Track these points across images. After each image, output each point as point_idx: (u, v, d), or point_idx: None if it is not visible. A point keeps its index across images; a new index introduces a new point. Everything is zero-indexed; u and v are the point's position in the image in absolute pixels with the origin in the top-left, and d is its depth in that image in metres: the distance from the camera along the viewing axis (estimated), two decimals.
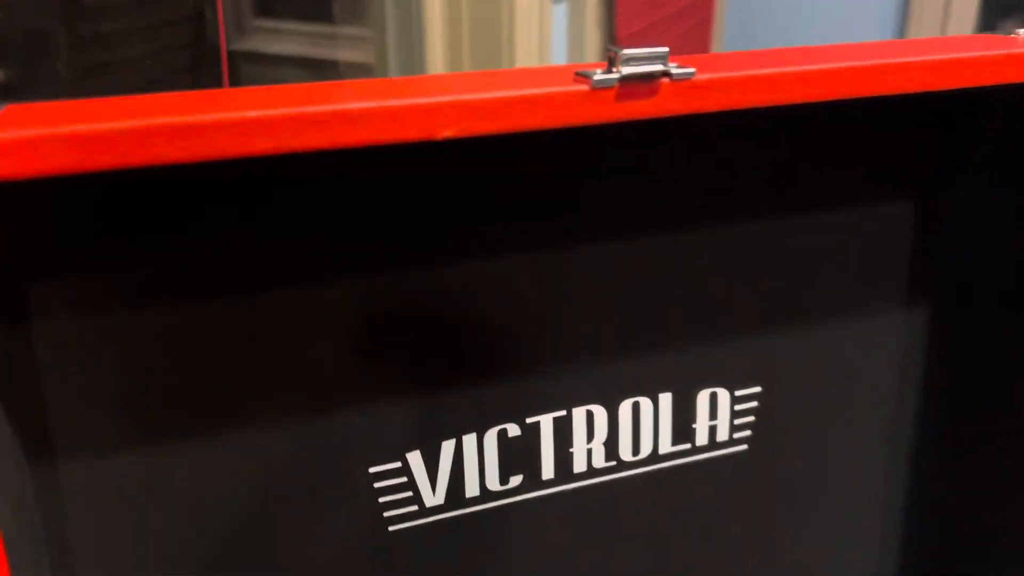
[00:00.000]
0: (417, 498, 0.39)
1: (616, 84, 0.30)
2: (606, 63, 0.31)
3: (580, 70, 0.31)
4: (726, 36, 1.55)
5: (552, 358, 0.39)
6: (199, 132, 0.27)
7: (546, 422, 0.40)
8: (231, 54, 1.34)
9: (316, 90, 0.30)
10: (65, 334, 0.32)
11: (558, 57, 1.25)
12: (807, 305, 0.43)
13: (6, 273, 0.30)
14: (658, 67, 0.30)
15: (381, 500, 0.38)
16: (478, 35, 1.14)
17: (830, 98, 0.32)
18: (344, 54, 1.25)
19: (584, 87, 0.30)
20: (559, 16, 1.23)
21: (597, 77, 0.30)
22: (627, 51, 0.30)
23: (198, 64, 1.19)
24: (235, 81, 1.38)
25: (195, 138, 0.27)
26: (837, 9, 1.56)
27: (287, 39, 1.28)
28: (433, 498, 0.39)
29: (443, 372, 0.38)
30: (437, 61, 1.17)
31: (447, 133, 0.29)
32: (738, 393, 0.43)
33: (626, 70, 0.30)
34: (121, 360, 0.33)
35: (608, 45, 0.30)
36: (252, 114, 0.27)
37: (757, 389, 0.43)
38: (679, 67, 0.31)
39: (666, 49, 0.30)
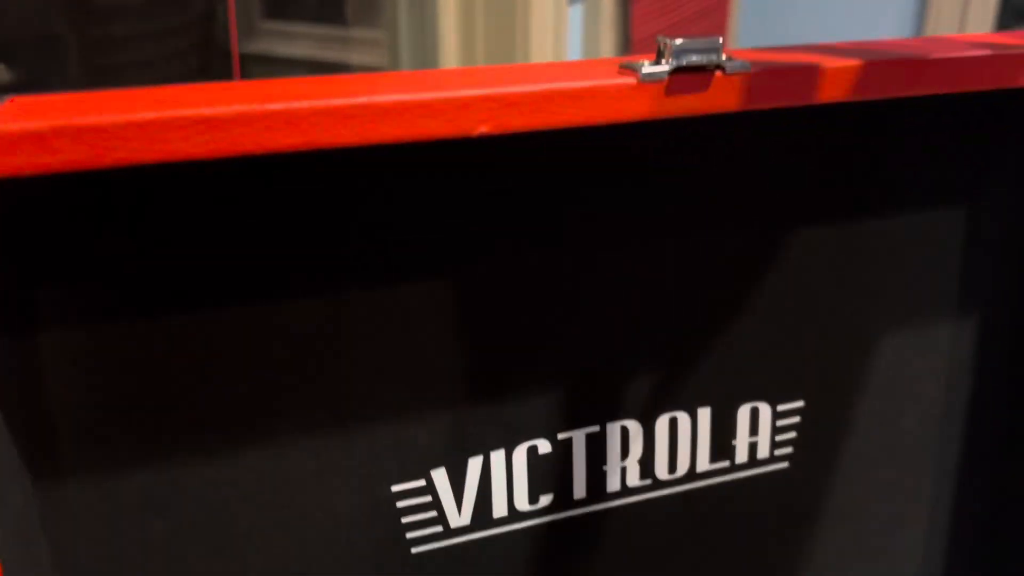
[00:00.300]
0: (442, 518, 0.37)
1: (666, 77, 0.28)
2: (654, 54, 0.29)
3: (624, 62, 0.29)
4: (740, 38, 1.52)
5: (584, 370, 0.37)
6: (219, 126, 0.24)
7: (578, 438, 0.38)
8: (240, 56, 1.33)
9: (339, 83, 0.28)
10: (73, 340, 0.30)
11: (572, 57, 1.22)
12: (851, 315, 0.41)
13: (9, 276, 0.28)
14: (711, 58, 0.28)
15: (404, 520, 0.36)
16: (492, 37, 1.13)
17: (903, 95, 0.29)
18: (356, 57, 1.23)
19: (631, 80, 0.28)
20: (574, 18, 1.21)
21: (646, 69, 0.27)
22: (679, 41, 0.28)
23: (208, 66, 1.18)
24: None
25: (215, 132, 0.25)
26: (854, 11, 1.54)
27: (297, 41, 1.26)
28: (459, 518, 0.37)
29: (470, 385, 0.36)
30: (451, 64, 1.15)
31: (483, 129, 0.27)
32: (780, 408, 0.40)
33: (677, 61, 0.28)
34: (132, 370, 0.31)
35: (660, 37, 0.27)
36: (277, 107, 0.25)
37: (800, 403, 0.41)
38: (733, 59, 0.29)
39: (720, 39, 0.28)
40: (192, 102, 0.25)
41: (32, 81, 1.20)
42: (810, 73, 0.29)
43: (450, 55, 1.14)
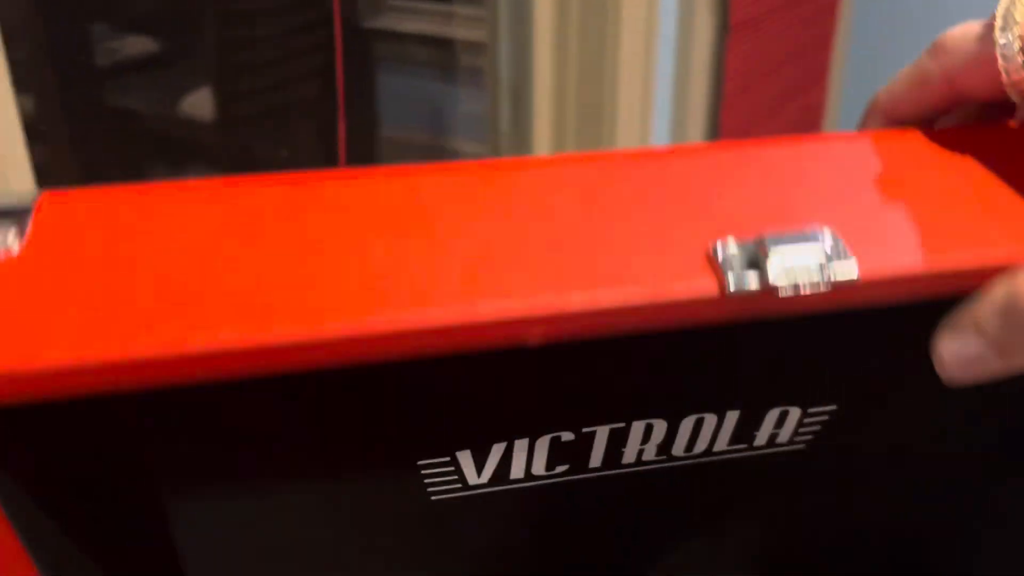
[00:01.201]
0: (462, 480, 0.33)
1: (757, 291, 0.21)
2: (751, 238, 0.21)
3: (710, 251, 0.22)
4: (855, 21, 1.34)
5: (616, 371, 0.32)
6: (252, 357, 0.19)
7: (602, 431, 0.33)
8: (367, 31, 1.28)
9: (379, 268, 0.22)
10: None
11: (666, 40, 1.11)
12: (891, 322, 0.33)
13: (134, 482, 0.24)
14: (815, 278, 0.21)
15: (427, 482, 0.32)
16: (585, 16, 1.04)
17: None
18: (460, 32, 1.17)
19: (714, 290, 0.21)
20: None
21: (733, 283, 0.21)
22: (779, 249, 0.20)
23: (329, 43, 1.12)
24: (363, 56, 1.31)
25: (249, 360, 0.19)
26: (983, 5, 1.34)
27: (415, 18, 1.21)
28: (478, 479, 0.33)
29: (499, 380, 0.31)
30: (544, 40, 1.07)
31: (537, 341, 0.21)
32: (811, 410, 0.34)
33: (775, 277, 0.21)
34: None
35: (760, 240, 0.21)
36: (317, 334, 0.19)
37: (832, 407, 0.34)
38: (841, 259, 0.21)
39: (829, 249, 0.21)
40: (218, 301, 0.20)
41: (171, 54, 1.17)
42: (927, 281, 0.22)
43: (544, 31, 1.07)
